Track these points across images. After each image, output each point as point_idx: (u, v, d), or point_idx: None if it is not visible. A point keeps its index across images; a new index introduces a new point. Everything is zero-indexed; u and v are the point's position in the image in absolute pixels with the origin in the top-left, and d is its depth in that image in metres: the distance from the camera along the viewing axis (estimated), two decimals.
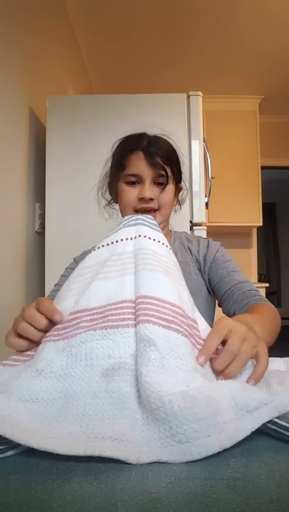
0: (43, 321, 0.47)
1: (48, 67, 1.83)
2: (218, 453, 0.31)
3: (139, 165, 0.79)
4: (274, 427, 0.35)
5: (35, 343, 0.48)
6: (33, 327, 0.48)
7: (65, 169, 1.59)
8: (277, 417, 0.35)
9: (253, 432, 0.35)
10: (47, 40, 1.80)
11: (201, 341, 0.45)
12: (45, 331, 0.47)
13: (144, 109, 1.60)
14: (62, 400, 0.37)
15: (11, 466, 0.30)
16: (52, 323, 0.47)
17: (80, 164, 1.57)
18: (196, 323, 0.47)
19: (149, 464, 0.30)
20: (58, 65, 2.03)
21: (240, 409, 0.34)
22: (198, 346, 0.44)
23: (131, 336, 0.41)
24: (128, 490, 0.26)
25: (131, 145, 0.82)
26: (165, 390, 0.35)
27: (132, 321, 0.42)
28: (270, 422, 0.35)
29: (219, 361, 0.42)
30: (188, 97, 1.63)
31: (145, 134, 0.85)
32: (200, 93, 1.63)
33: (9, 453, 0.32)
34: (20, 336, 0.48)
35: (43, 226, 1.63)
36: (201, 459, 0.31)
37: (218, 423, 0.33)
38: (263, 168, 3.12)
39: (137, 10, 2.14)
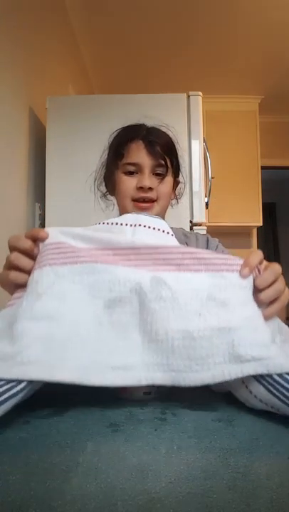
0: (28, 242, 0.45)
1: (48, 67, 1.83)
2: (218, 453, 0.31)
3: (138, 154, 0.78)
4: (269, 379, 0.37)
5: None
6: (20, 253, 0.46)
7: (65, 169, 1.59)
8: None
9: (252, 432, 0.35)
10: (47, 40, 1.80)
11: (226, 258, 0.44)
12: (33, 257, 0.45)
13: (144, 109, 1.59)
14: (70, 323, 0.39)
15: (11, 466, 0.30)
16: (36, 243, 0.45)
17: (80, 164, 1.57)
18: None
19: (149, 463, 0.30)
20: (58, 65, 2.03)
21: (234, 357, 0.38)
22: (224, 267, 0.43)
23: (132, 273, 0.42)
24: (128, 490, 0.26)
25: (130, 134, 0.81)
26: (172, 327, 0.39)
27: (132, 262, 0.43)
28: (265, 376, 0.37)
29: (262, 279, 0.44)
30: (188, 97, 1.63)
31: (144, 124, 0.84)
32: (200, 93, 1.63)
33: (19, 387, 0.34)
34: (16, 269, 0.46)
35: (43, 226, 1.63)
36: (201, 459, 0.31)
37: (209, 363, 0.38)
38: (263, 168, 3.12)
39: (137, 10, 2.14)
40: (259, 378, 0.38)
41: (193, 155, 1.60)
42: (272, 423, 0.38)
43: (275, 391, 0.37)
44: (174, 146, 0.83)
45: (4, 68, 1.33)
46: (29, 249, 0.45)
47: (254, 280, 0.44)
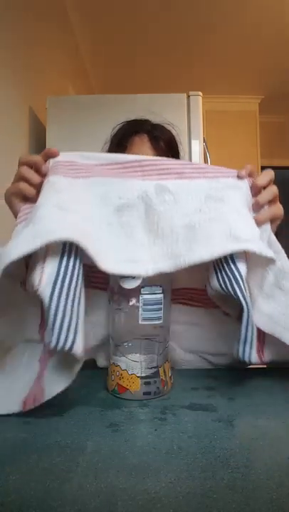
0: (39, 157, 0.47)
1: (48, 67, 1.83)
2: (218, 453, 0.31)
3: (142, 147, 0.78)
4: (220, 266, 0.43)
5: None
6: (30, 168, 0.47)
7: None
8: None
9: (252, 432, 0.35)
10: (47, 40, 1.80)
11: (222, 168, 0.50)
12: (42, 175, 0.47)
13: (144, 109, 1.59)
14: (85, 219, 0.42)
15: (11, 466, 0.30)
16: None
17: None
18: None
19: (149, 463, 0.30)
20: (58, 65, 2.03)
21: (231, 237, 0.43)
22: (219, 174, 0.49)
23: (138, 183, 0.46)
24: (128, 490, 0.26)
25: (135, 127, 0.81)
26: (175, 224, 0.44)
27: (139, 173, 0.47)
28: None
29: (259, 178, 0.49)
30: (188, 97, 1.63)
31: (149, 120, 0.84)
32: (200, 93, 1.63)
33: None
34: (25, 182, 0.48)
35: None
36: (201, 459, 0.31)
37: (208, 244, 0.42)
38: (263, 168, 3.11)
39: (137, 10, 2.14)
40: (216, 266, 0.44)
41: (193, 155, 1.60)
42: (272, 423, 0.38)
43: (219, 275, 0.44)
44: (176, 145, 0.83)
45: (4, 68, 1.33)
46: (39, 163, 0.47)
47: (251, 184, 0.49)
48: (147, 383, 0.45)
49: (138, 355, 0.45)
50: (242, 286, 0.41)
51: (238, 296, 0.40)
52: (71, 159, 0.47)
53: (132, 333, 0.46)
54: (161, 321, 0.46)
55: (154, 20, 2.23)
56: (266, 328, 0.45)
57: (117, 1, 2.06)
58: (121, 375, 0.45)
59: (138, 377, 0.45)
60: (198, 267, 0.43)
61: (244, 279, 0.42)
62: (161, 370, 0.46)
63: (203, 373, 0.54)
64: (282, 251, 0.47)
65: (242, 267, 0.43)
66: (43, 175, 0.46)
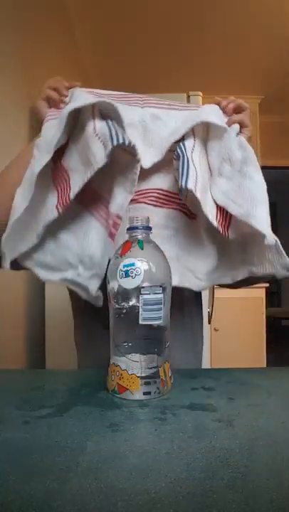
0: (62, 82, 0.61)
1: (48, 67, 1.83)
2: (218, 453, 0.31)
3: None
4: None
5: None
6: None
7: None
8: None
9: (252, 432, 0.35)
10: (47, 40, 1.80)
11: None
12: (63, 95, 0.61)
13: None
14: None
15: (10, 466, 0.30)
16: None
17: None
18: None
19: (149, 463, 0.30)
20: (59, 66, 2.03)
21: (196, 117, 0.58)
22: (197, 108, 0.64)
23: (139, 110, 0.61)
24: (128, 490, 0.26)
25: None
26: (163, 134, 0.60)
27: (140, 104, 0.62)
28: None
29: (239, 104, 0.62)
30: (188, 97, 1.63)
31: None
32: (200, 93, 1.63)
33: None
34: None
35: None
36: (201, 459, 0.31)
37: (181, 128, 0.58)
38: (263, 168, 3.09)
39: (137, 10, 2.14)
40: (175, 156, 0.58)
41: None
42: (272, 423, 0.38)
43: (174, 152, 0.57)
44: None
45: (4, 69, 1.33)
46: (62, 86, 0.61)
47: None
48: (147, 383, 0.45)
49: (138, 355, 0.45)
50: (182, 149, 0.57)
51: (178, 153, 0.56)
52: (88, 90, 0.61)
53: (132, 333, 0.46)
54: (161, 321, 0.46)
55: (154, 20, 2.23)
56: (219, 201, 0.56)
57: (117, 1, 2.06)
58: (121, 375, 0.45)
59: (138, 377, 0.45)
60: None
61: (186, 146, 0.57)
62: (161, 370, 0.46)
63: (203, 373, 0.54)
64: (249, 148, 0.59)
65: (188, 143, 0.58)
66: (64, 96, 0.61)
